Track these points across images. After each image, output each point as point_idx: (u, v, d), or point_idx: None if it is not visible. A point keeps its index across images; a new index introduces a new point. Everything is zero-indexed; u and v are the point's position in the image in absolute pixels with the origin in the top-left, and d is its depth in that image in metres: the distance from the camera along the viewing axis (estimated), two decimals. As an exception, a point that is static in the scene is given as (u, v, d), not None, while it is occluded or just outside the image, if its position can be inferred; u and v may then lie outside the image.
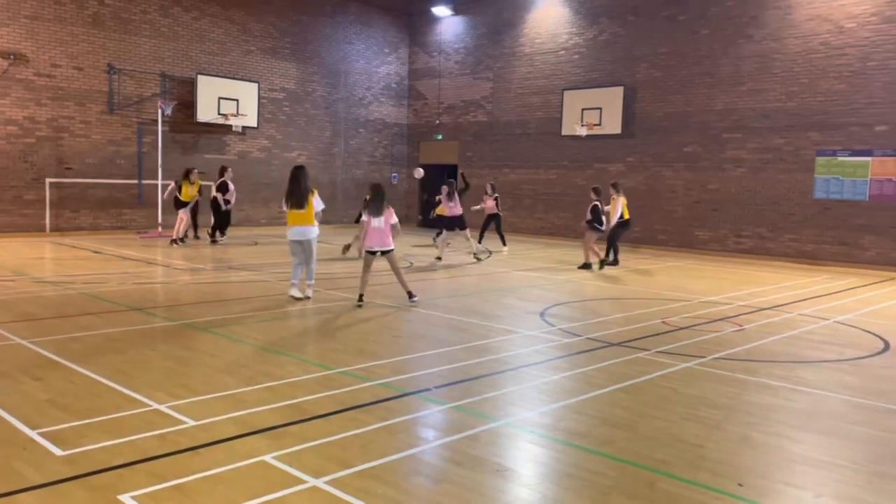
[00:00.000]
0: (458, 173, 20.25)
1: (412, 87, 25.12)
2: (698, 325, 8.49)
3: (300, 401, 5.13)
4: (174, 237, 15.66)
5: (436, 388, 5.61)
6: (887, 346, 7.64)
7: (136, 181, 18.63)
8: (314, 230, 9.33)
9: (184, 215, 15.79)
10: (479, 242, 16.43)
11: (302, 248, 9.38)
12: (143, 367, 5.98)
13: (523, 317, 8.82)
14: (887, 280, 13.60)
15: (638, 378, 6.04)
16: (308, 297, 9.37)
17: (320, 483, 3.74)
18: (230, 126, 19.99)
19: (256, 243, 16.89)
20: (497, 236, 16.81)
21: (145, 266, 12.46)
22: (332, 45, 22.92)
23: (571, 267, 13.96)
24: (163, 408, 4.88)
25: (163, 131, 18.56)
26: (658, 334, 7.86)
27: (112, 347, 6.59)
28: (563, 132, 20.46)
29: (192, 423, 4.60)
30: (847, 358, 7.06)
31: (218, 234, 16.65)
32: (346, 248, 14.74)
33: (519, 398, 5.46)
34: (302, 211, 9.17)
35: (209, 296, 9.70)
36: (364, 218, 9.26)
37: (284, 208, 9.33)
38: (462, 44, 23.48)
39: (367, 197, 9.64)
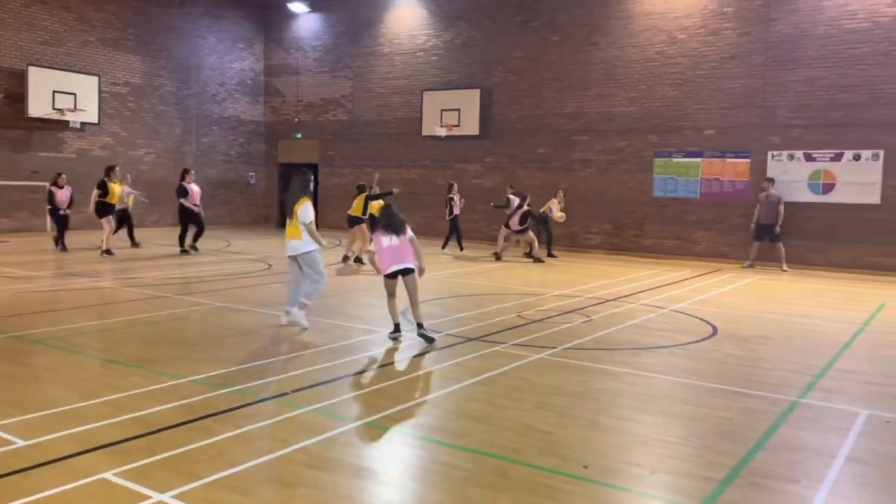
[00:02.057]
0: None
1: (269, 84, 24.47)
2: (550, 317, 8.90)
3: (146, 413, 4.86)
4: (104, 248, 14.08)
5: (293, 391, 5.51)
6: (715, 330, 8.37)
7: (-44, 181, 16.88)
8: (305, 245, 7.75)
9: (107, 224, 14.23)
10: (444, 247, 17.22)
11: (297, 266, 7.99)
12: (-36, 385, 5.43)
13: (384, 317, 8.84)
14: (716, 271, 14.89)
15: (494, 371, 6.24)
16: (304, 327, 7.81)
17: (166, 498, 3.57)
18: (67, 122, 18.55)
19: (100, 248, 15.79)
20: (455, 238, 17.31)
21: (-32, 275, 11.31)
22: (182, 38, 21.86)
23: (432, 265, 14.18)
24: (-12, 429, 4.46)
25: (-12, 126, 16.94)
26: (513, 328, 8.16)
27: (-74, 366, 5.94)
28: (424, 132, 20.72)
29: (22, 442, 4.24)
30: (680, 343, 7.67)
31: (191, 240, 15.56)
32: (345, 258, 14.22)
33: (378, 397, 5.48)
34: (291, 221, 7.79)
35: (46, 305, 8.97)
36: (373, 236, 7.76)
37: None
38: (320, 41, 23.16)
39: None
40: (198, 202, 15.03)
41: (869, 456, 4.49)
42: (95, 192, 14.48)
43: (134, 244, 15.83)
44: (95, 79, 19.20)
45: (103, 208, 14.41)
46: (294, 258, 7.92)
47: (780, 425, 5.02)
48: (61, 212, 15.18)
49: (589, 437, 4.69)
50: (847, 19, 15.14)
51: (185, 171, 15.27)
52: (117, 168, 14.89)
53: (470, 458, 4.26)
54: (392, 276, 7.41)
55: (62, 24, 18.88)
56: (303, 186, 7.85)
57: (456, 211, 17.01)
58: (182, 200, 14.91)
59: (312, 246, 7.78)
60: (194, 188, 15.05)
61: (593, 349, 7.23)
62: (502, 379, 6.02)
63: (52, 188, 15.23)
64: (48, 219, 15.91)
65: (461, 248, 17.17)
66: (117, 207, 15.97)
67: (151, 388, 5.46)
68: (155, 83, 21.23)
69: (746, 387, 5.99)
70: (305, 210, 7.70)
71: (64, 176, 15.58)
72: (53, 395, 5.25)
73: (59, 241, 15.09)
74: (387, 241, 7.31)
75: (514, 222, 15.32)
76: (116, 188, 14.55)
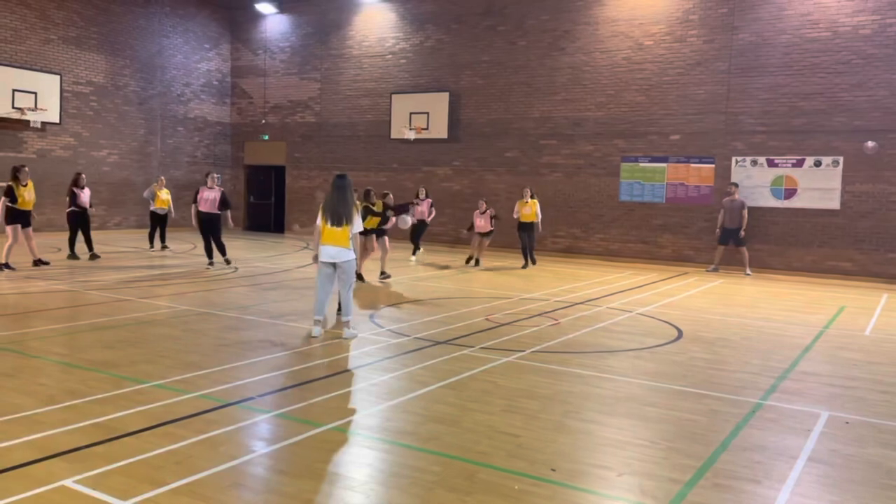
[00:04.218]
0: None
1: (235, 85, 24.20)
2: (518, 320, 8.93)
3: (107, 419, 4.75)
4: (36, 257, 12.62)
5: (260, 396, 5.44)
6: (680, 334, 8.48)
7: None
8: (350, 253, 7.62)
9: (12, 231, 12.08)
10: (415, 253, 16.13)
11: (331, 273, 7.74)
12: (-84, 392, 5.25)
13: (353, 319, 8.79)
14: (681, 274, 15.11)
15: (462, 374, 6.23)
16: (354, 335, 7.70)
17: (129, 505, 3.50)
18: (27, 121, 18.12)
19: (60, 249, 15.44)
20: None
21: (-78, 277, 10.96)
22: (146, 37, 21.50)
23: (402, 268, 14.14)
24: (-60, 437, 4.32)
25: (-57, 125, 16.46)
26: (482, 331, 8.16)
27: None
28: (392, 135, 20.67)
29: (-23, 451, 4.11)
30: (646, 346, 7.75)
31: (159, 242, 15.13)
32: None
33: (346, 401, 5.44)
34: (340, 228, 7.55)
35: (3, 308, 8.72)
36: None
37: (320, 223, 7.67)
38: (287, 42, 22.98)
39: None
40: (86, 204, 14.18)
41: (830, 456, 4.58)
42: (4, 200, 12.16)
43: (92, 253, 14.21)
44: (57, 77, 18.79)
45: (12, 214, 12.12)
46: (334, 265, 7.64)
47: (743, 427, 5.09)
48: (88, 212, 14.27)
49: (556, 440, 4.71)
50: (808, 29, 15.50)
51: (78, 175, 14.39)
52: (26, 168, 12.52)
53: (438, 462, 4.25)
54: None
55: (23, 21, 18.44)
56: (351, 192, 7.68)
57: (423, 216, 15.99)
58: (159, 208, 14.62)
59: (353, 254, 7.70)
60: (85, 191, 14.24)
61: (561, 352, 7.27)
62: (470, 382, 6.02)
63: (74, 189, 14.17)
64: (69, 223, 14.32)
65: (413, 253, 16.06)
66: (158, 211, 15.83)
67: (113, 393, 5.35)
68: (119, 83, 20.85)
69: (711, 389, 6.08)
70: (359, 218, 7.73)
71: (84, 175, 14.56)
72: (11, 400, 5.10)
73: (89, 247, 14.09)
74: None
75: (480, 225, 15.25)
76: (25, 192, 12.24)
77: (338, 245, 7.54)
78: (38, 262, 12.60)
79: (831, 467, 4.41)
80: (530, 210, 15.21)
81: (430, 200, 16.31)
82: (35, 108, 18.12)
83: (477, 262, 15.33)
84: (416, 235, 16.07)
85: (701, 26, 16.62)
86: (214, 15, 23.53)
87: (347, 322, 7.78)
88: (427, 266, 14.93)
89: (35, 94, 18.17)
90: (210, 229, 13.34)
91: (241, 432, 4.66)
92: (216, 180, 13.72)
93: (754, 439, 4.84)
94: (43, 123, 18.60)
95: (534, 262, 15.61)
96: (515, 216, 15.52)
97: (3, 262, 12.02)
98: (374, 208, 11.86)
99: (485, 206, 15.38)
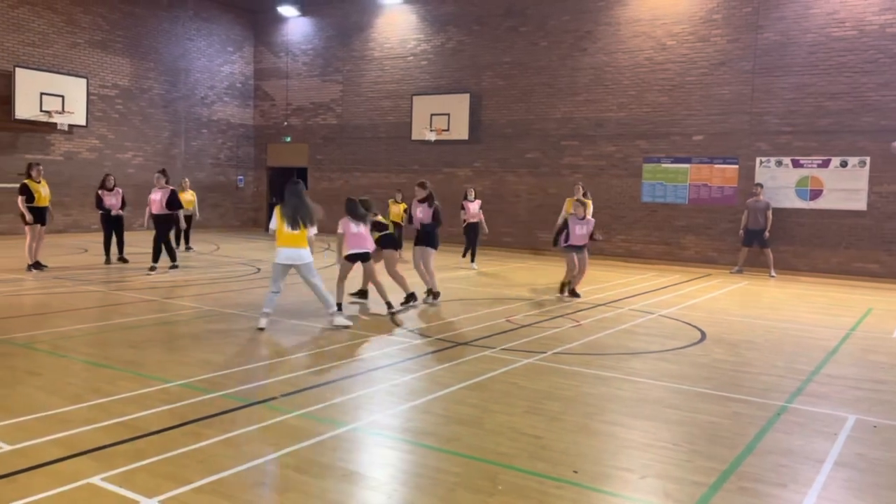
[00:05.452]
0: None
1: (258, 88, 24.41)
2: (540, 322, 8.90)
3: (133, 417, 4.82)
4: (31, 262, 12.25)
5: (283, 396, 5.48)
6: (703, 336, 8.40)
7: (-59, 183, 16.69)
8: (308, 255, 7.94)
9: (29, 230, 12.10)
10: (464, 256, 14.94)
11: (286, 274, 8.03)
12: (-53, 389, 5.36)
13: (373, 321, 8.83)
14: (704, 276, 14.96)
15: (483, 375, 6.23)
16: (348, 326, 8.10)
17: (153, 503, 3.54)
18: (55, 124, 18.42)
19: (87, 250, 15.68)
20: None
21: (-47, 277, 11.19)
22: (171, 40, 21.77)
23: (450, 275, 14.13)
24: (-29, 434, 4.41)
25: (-26, 128, 16.80)
26: (503, 332, 8.15)
27: None
28: (413, 136, 20.72)
29: (7, 447, 4.19)
30: (669, 348, 7.69)
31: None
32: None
33: (367, 402, 5.46)
34: (298, 232, 7.83)
35: (31, 308, 8.88)
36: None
37: (275, 227, 7.90)
38: (310, 45, 23.13)
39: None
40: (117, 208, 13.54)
41: (857, 460, 4.51)
42: (22, 199, 12.17)
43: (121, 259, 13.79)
44: (83, 81, 19.09)
45: (31, 213, 12.19)
46: (291, 266, 7.91)
47: (768, 430, 5.03)
48: (113, 213, 13.44)
49: (579, 442, 4.69)
50: (835, 27, 15.28)
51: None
52: (39, 166, 12.57)
53: (460, 463, 4.25)
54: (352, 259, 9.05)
55: (50, 26, 18.76)
56: (304, 195, 7.97)
57: (475, 218, 14.68)
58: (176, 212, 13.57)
59: (311, 255, 7.99)
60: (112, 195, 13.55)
61: (583, 354, 7.24)
62: (492, 383, 6.01)
63: (99, 191, 13.51)
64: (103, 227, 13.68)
65: (472, 259, 14.90)
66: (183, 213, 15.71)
67: (139, 392, 5.41)
68: (143, 86, 21.12)
69: (735, 392, 6.01)
70: (315, 222, 8.01)
71: (112, 177, 13.80)
72: (39, 399, 5.19)
73: (119, 250, 13.58)
74: (354, 227, 8.94)
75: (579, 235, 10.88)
76: (41, 189, 12.30)
77: (296, 247, 7.83)
78: (35, 265, 12.20)
79: (858, 472, 4.34)
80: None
81: (479, 201, 15.10)
82: (62, 111, 18.41)
83: (574, 293, 10.94)
84: (471, 240, 14.84)
85: (725, 26, 16.45)
86: (238, 18, 23.75)
87: (333, 312, 8.11)
88: (447, 267, 14.92)
89: (62, 97, 18.47)
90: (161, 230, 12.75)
91: (264, 432, 4.69)
92: (161, 180, 12.99)
93: (780, 443, 4.79)
94: (70, 126, 18.89)
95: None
96: (563, 220, 12.39)
97: (32, 262, 12.15)
98: (381, 220, 10.21)
99: (582, 209, 10.83)
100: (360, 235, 9.00)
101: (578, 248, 10.78)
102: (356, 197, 9.41)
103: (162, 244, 12.63)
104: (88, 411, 4.93)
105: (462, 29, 20.17)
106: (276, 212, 7.95)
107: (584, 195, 12.48)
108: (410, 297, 9.71)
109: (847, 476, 4.27)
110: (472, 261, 14.88)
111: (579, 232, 10.71)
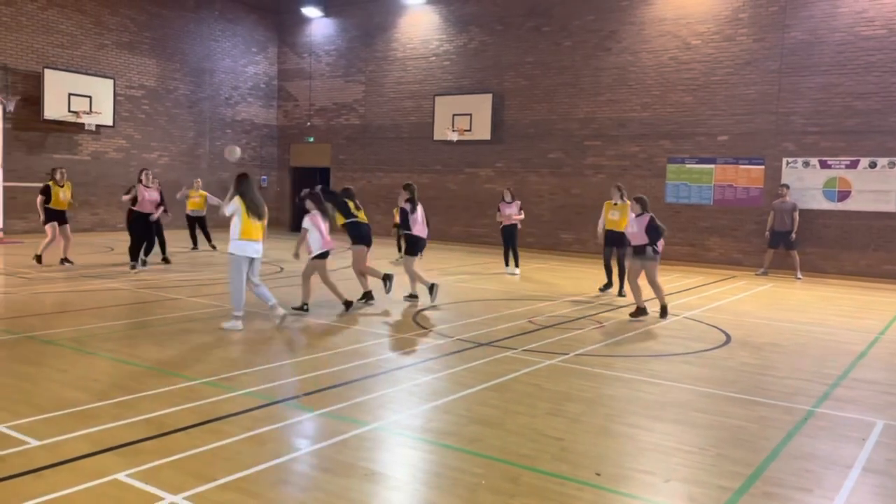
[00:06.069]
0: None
1: (282, 88, 24.58)
2: (562, 323, 8.86)
3: (158, 414, 4.87)
4: (38, 252, 12.59)
5: (305, 395, 5.51)
6: (728, 338, 8.30)
7: (-28, 182, 17.01)
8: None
9: (50, 229, 12.46)
10: (508, 264, 14.06)
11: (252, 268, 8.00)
12: (-22, 385, 5.46)
13: (397, 322, 8.85)
14: (729, 278, 14.79)
15: (505, 376, 6.21)
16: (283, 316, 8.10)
17: (179, 499, 3.57)
18: (82, 124, 18.70)
19: (113, 249, 15.89)
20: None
21: (-17, 275, 11.40)
22: (196, 41, 21.99)
23: (442, 269, 14.15)
24: (2, 428, 4.48)
25: (5, 129, 17.09)
26: (525, 333, 8.12)
27: (-59, 365, 5.98)
28: (436, 137, 20.73)
29: (35, 443, 4.25)
30: (693, 351, 7.61)
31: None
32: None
33: (389, 401, 5.47)
34: (262, 223, 7.91)
35: (58, 306, 9.02)
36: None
37: (244, 219, 7.78)
38: (333, 46, 23.24)
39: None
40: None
41: (887, 466, 4.43)
42: (42, 199, 12.54)
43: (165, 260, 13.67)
44: (111, 81, 19.35)
45: (48, 214, 12.53)
46: (254, 260, 7.93)
47: (794, 434, 4.96)
48: (151, 217, 12.87)
49: (601, 444, 4.66)
50: (863, 26, 15.03)
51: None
52: (62, 169, 12.81)
53: (481, 464, 4.24)
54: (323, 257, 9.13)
55: (78, 27, 19.04)
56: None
57: (512, 220, 13.84)
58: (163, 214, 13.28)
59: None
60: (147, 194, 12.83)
61: (605, 356, 7.19)
62: (514, 384, 5.99)
63: (139, 186, 12.80)
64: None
65: (516, 265, 14.07)
66: (191, 213, 15.94)
67: (163, 389, 5.47)
68: (169, 86, 21.36)
69: (760, 395, 5.93)
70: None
71: (148, 173, 13.04)
72: (66, 395, 5.27)
73: (146, 254, 12.95)
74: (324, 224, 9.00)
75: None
76: (61, 192, 12.57)
77: (261, 239, 7.91)
78: (63, 261, 12.74)
79: (888, 478, 4.26)
80: (620, 216, 11.27)
81: (518, 202, 14.09)
82: (90, 112, 18.68)
83: (664, 312, 9.52)
84: (510, 244, 13.91)
85: (751, 25, 16.26)
86: (262, 19, 23.94)
87: (274, 306, 8.02)
88: (463, 266, 14.90)
89: (90, 97, 18.74)
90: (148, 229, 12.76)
91: (287, 430, 4.72)
92: (150, 177, 12.90)
93: (806, 447, 4.72)
94: (97, 126, 19.16)
95: (622, 295, 11.28)
96: (601, 229, 11.81)
97: (38, 254, 12.60)
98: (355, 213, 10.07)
99: (639, 206, 9.58)
100: (325, 232, 9.07)
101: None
102: (333, 189, 9.23)
103: (135, 241, 12.52)
104: (114, 408, 4.99)
105: (484, 29, 20.15)
106: (242, 205, 7.74)
107: (622, 197, 11.40)
108: (367, 296, 9.89)
109: (876, 482, 4.19)
110: (516, 265, 14.00)
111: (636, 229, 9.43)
